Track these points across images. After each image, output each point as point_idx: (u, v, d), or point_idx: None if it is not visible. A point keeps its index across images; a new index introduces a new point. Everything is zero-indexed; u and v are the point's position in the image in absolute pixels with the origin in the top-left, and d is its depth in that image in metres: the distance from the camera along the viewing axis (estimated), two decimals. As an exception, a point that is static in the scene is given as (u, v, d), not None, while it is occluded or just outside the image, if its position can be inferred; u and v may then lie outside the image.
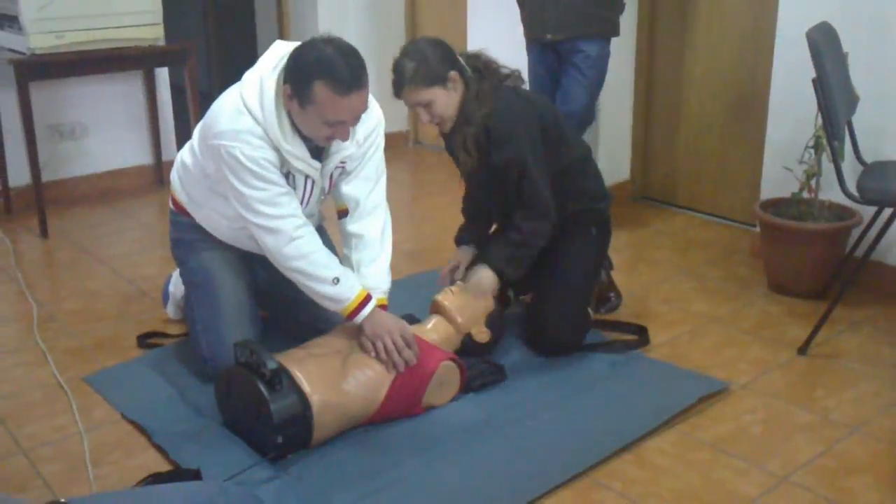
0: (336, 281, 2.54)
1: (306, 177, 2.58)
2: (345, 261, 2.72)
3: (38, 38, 3.97)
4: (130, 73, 4.77)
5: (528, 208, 2.78)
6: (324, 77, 2.32)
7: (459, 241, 3.06)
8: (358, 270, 2.68)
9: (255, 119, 2.44)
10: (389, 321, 2.55)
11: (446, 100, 2.71)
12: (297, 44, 2.49)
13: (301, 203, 2.62)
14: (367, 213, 2.72)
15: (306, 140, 2.51)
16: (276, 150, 2.47)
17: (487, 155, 2.76)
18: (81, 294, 3.51)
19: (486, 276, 2.81)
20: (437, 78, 2.68)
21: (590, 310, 3.01)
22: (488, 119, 2.72)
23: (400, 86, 2.69)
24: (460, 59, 2.77)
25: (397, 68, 2.69)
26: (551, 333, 2.88)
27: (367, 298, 2.57)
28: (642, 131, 4.45)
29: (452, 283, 2.89)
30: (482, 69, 2.79)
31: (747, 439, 2.46)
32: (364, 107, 2.44)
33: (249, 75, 2.51)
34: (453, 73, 2.70)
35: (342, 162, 2.64)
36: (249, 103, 2.44)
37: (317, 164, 2.56)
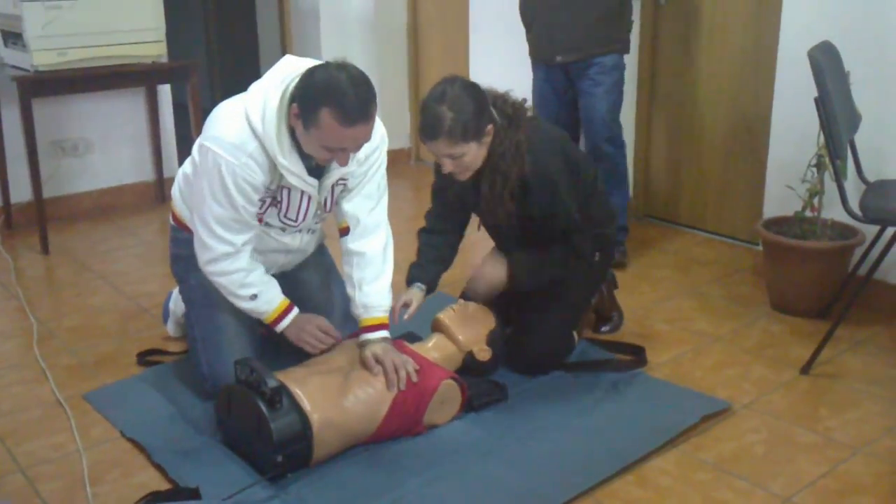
0: (254, 297, 2.62)
1: (302, 192, 2.57)
2: (346, 279, 2.72)
3: (42, 56, 3.98)
4: (133, 90, 4.79)
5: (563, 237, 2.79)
6: (331, 105, 2.30)
7: (412, 279, 2.87)
8: (359, 289, 2.67)
9: (254, 131, 2.43)
10: (306, 322, 2.66)
11: (476, 153, 2.63)
12: (306, 60, 2.48)
13: (297, 218, 2.62)
14: (368, 231, 2.71)
15: (305, 157, 2.50)
16: (272, 164, 2.46)
17: (523, 205, 2.71)
18: (82, 311, 3.50)
19: (495, 275, 2.77)
20: (475, 133, 2.59)
21: (575, 333, 2.99)
22: (524, 173, 2.66)
23: (434, 136, 2.57)
24: (490, 105, 2.67)
25: (432, 115, 2.56)
26: (529, 351, 2.86)
27: (287, 311, 2.65)
28: (644, 150, 4.44)
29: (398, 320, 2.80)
30: (511, 115, 2.69)
31: (750, 459, 2.44)
32: (367, 137, 2.42)
33: (255, 86, 2.51)
34: (489, 128, 2.63)
35: (342, 179, 2.63)
36: (251, 114, 2.43)
37: (313, 181, 2.55)
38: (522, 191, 2.69)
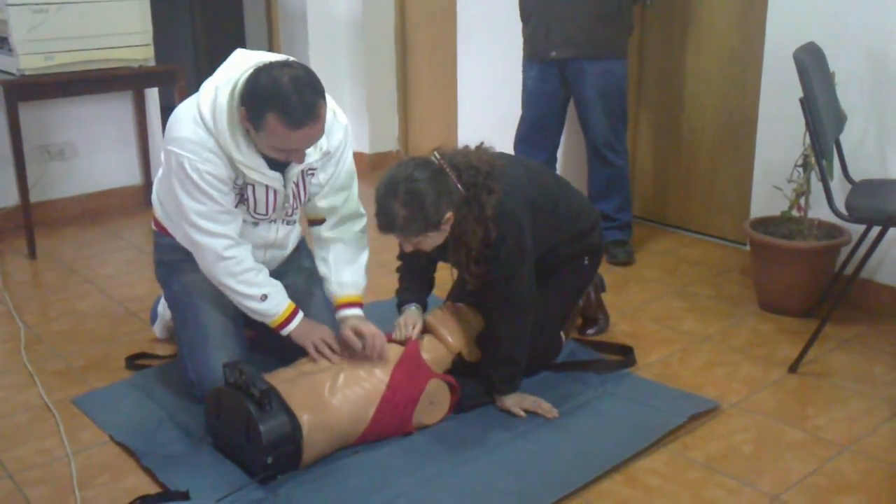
0: (264, 298, 2.60)
1: (266, 186, 2.57)
2: (319, 261, 2.78)
3: (28, 59, 3.97)
4: (120, 94, 4.77)
5: (509, 305, 2.63)
6: (276, 109, 2.30)
7: (404, 302, 2.80)
8: (336, 269, 2.74)
9: (209, 130, 2.43)
10: (314, 329, 2.63)
11: (436, 237, 2.50)
12: (259, 55, 2.48)
13: (266, 211, 2.63)
14: (346, 219, 2.77)
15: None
16: (231, 161, 2.46)
17: (489, 266, 2.60)
18: (70, 315, 3.49)
19: (506, 402, 2.67)
20: (431, 226, 2.44)
21: (562, 334, 2.98)
22: (490, 240, 2.53)
23: (387, 230, 2.45)
24: (455, 178, 2.48)
25: (387, 210, 2.41)
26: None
27: (295, 312, 2.63)
28: (631, 150, 4.43)
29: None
30: (483, 183, 2.49)
31: (739, 458, 2.46)
32: (318, 136, 2.43)
33: (206, 85, 2.49)
34: (449, 215, 2.46)
35: (311, 168, 2.63)
36: (204, 114, 2.44)
37: (275, 174, 2.54)
38: (490, 252, 2.57)
